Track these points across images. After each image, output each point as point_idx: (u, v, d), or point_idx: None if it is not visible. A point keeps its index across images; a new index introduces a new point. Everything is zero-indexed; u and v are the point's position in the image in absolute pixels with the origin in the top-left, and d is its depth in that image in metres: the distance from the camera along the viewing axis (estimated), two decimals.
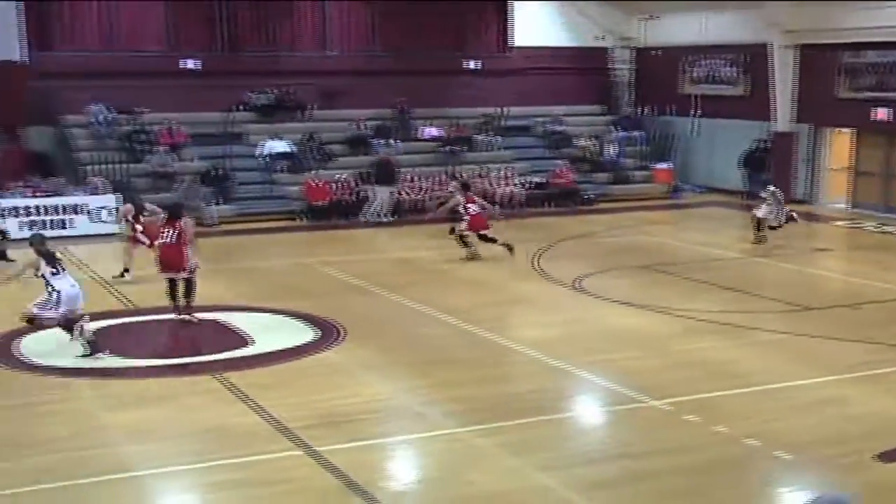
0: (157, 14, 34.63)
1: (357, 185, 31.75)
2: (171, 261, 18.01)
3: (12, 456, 11.80)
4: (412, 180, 32.83)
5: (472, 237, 24.19)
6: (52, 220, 26.59)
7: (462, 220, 24.48)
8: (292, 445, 12.05)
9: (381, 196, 31.06)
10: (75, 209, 28.21)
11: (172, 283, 18.12)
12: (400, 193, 31.80)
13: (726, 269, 23.19)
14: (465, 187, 25.84)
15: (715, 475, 11.28)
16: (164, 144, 32.25)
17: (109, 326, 17.74)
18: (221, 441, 12.28)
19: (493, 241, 24.18)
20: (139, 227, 22.09)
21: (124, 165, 31.46)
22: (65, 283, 15.97)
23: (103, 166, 31.07)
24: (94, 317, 17.32)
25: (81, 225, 27.80)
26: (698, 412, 13.17)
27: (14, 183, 29.23)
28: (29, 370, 15.40)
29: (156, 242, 19.02)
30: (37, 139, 32.05)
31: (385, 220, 30.69)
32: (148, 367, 15.76)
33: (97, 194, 29.01)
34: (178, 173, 31.05)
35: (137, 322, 18.36)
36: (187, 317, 18.03)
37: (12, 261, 22.44)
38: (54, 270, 15.95)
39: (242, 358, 16.09)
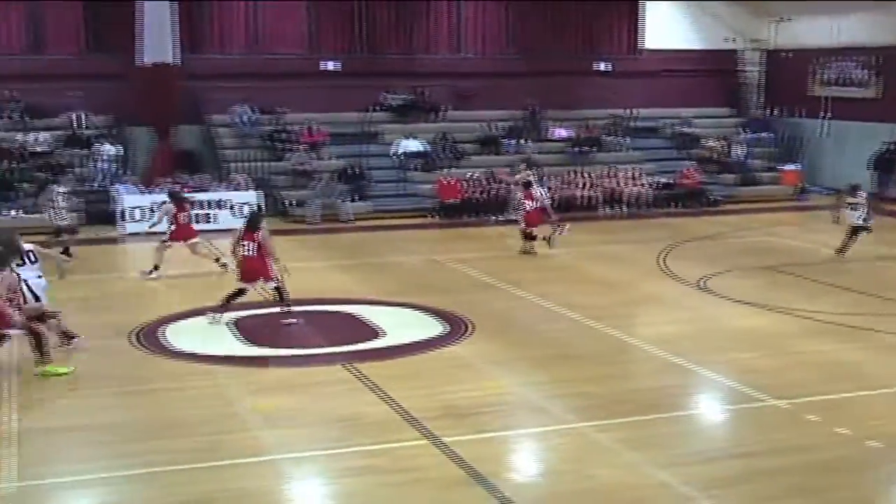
0: (299, 18, 35.19)
1: (489, 183, 31.78)
2: (255, 271, 17.84)
3: (155, 437, 12.19)
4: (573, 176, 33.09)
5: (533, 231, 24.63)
6: (196, 215, 27.16)
7: (520, 215, 24.99)
8: (419, 435, 12.19)
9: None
10: (219, 204, 28.89)
11: (241, 292, 17.92)
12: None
13: (851, 271, 22.68)
14: (527, 185, 25.83)
15: (835, 476, 11.09)
16: (304, 143, 32.77)
17: (249, 316, 18.15)
18: (352, 429, 12.47)
19: (533, 238, 24.61)
20: (173, 227, 22.37)
21: (265, 163, 32.11)
22: (30, 274, 16.26)
23: (246, 164, 31.76)
24: (236, 307, 17.81)
25: (224, 219, 28.40)
26: (819, 412, 12.95)
27: (163, 178, 30.07)
28: (173, 356, 15.88)
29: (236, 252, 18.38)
30: (185, 137, 32.89)
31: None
32: (284, 356, 16.10)
33: (239, 190, 29.67)
34: (316, 171, 31.51)
35: (276, 313, 18.70)
36: (292, 320, 17.90)
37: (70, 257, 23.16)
38: (20, 262, 16.15)
39: (374, 350, 16.30)
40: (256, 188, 29.90)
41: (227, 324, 17.55)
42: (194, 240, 22.49)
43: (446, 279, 22.07)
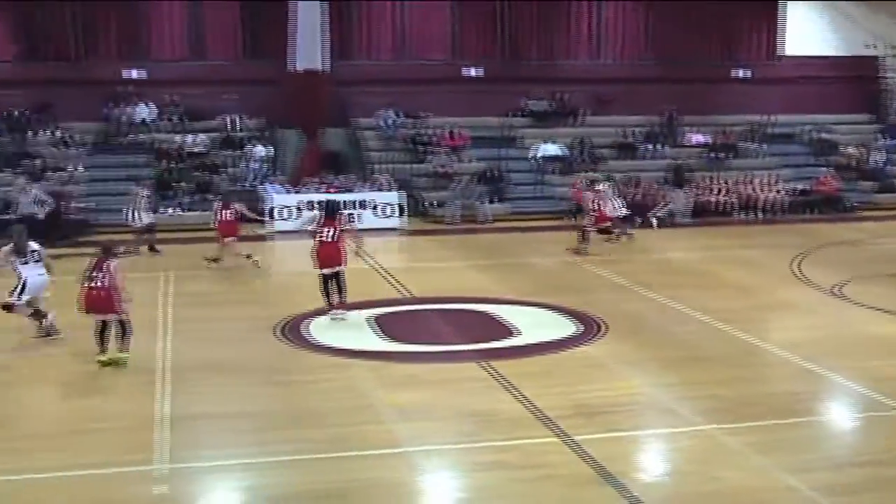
0: (443, 26, 35.45)
1: (627, 188, 31.47)
2: (330, 258, 17.74)
3: (294, 426, 12.34)
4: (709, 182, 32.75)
5: (593, 232, 24.56)
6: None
7: (590, 215, 24.81)
8: (550, 433, 12.07)
9: (675, 198, 30.91)
10: (362, 204, 29.20)
11: (327, 280, 17.85)
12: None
13: None
14: (592, 183, 25.80)
15: None
16: (446, 146, 32.95)
17: (387, 314, 18.27)
18: (485, 425, 12.43)
19: (610, 232, 24.74)
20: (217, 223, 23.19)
21: (407, 165, 32.36)
22: (31, 272, 16.46)
23: (389, 165, 32.05)
24: (374, 304, 17.97)
25: (367, 219, 28.69)
26: None
27: (310, 178, 30.55)
28: (314, 349, 16.07)
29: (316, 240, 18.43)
30: (332, 139, 33.36)
31: (680, 221, 30.53)
32: (421, 352, 16.17)
33: (382, 191, 29.94)
34: (456, 173, 31.64)
35: (412, 310, 18.79)
36: (341, 312, 17.84)
37: (158, 251, 24.21)
38: (24, 260, 16.46)
39: (508, 348, 16.23)
40: (399, 189, 30.14)
41: (367, 319, 17.71)
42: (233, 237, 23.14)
43: (580, 280, 21.92)
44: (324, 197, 27.02)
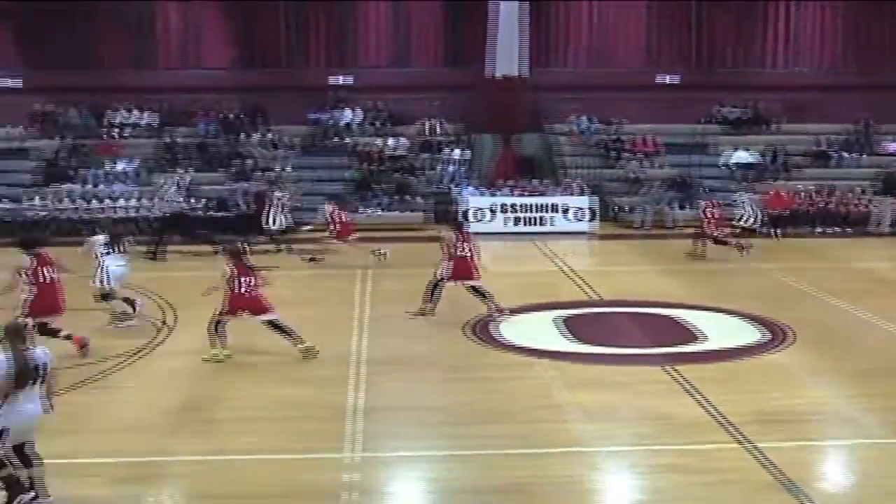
0: (639, 33, 35.10)
1: (821, 196, 30.54)
2: (466, 272, 17.82)
3: (478, 422, 12.41)
4: None
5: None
6: (531, 217, 27.66)
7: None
8: (731, 439, 11.81)
9: (883, 207, 30.03)
10: (554, 208, 29.15)
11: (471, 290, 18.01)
12: None
13: None
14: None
15: None
16: (638, 152, 32.64)
17: (574, 315, 18.21)
18: (666, 428, 12.25)
19: (727, 243, 24.54)
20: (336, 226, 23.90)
21: (599, 170, 32.20)
22: (113, 262, 17.44)
23: (581, 170, 31.93)
24: (561, 305, 17.93)
25: (558, 222, 28.66)
26: None
27: (503, 182, 30.71)
28: (502, 348, 16.13)
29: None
30: (526, 144, 33.46)
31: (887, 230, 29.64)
32: (606, 354, 16.01)
33: (573, 195, 29.83)
34: (647, 179, 31.31)
35: (600, 313, 18.67)
36: (507, 312, 17.96)
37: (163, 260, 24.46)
38: (108, 251, 17.52)
39: (693, 353, 15.95)
40: (591, 193, 30.00)
41: (554, 320, 17.70)
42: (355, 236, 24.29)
43: (767, 287, 21.42)
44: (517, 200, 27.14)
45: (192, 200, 29.53)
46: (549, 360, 15.33)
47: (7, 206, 29.58)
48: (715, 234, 24.35)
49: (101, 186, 30.65)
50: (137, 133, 33.75)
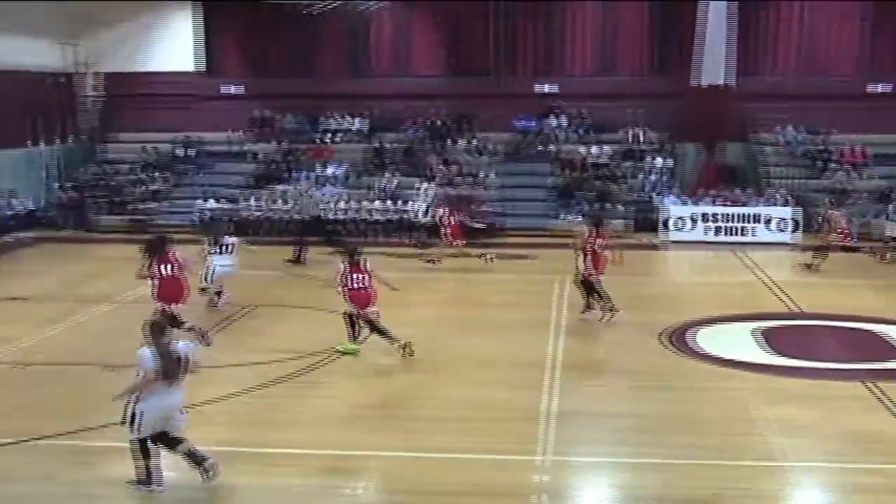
0: (851, 41, 33.83)
1: None
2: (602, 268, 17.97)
3: (670, 431, 12.25)
4: None
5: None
6: (732, 227, 27.04)
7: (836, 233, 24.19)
8: None
9: None
10: (756, 218, 28.41)
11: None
12: None
13: None
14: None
15: None
16: (846, 163, 31.54)
17: (773, 327, 17.75)
18: (865, 445, 11.85)
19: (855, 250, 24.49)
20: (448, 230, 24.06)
21: (804, 181, 31.25)
22: (218, 261, 18.58)
23: (785, 181, 31.06)
24: (760, 317, 17.50)
25: (760, 233, 27.95)
26: None
27: (705, 191, 30.16)
28: (698, 358, 15.85)
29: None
30: (729, 153, 32.78)
31: None
32: (805, 367, 15.53)
33: (776, 206, 29.02)
34: (854, 190, 30.22)
35: (800, 325, 18.14)
36: (610, 314, 17.87)
37: (303, 263, 24.40)
38: (215, 251, 18.86)
39: (893, 369, 15.35)
40: (795, 204, 29.12)
41: (752, 331, 17.29)
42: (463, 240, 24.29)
43: None
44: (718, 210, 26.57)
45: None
46: (747, 373, 15.00)
47: (224, 207, 30.79)
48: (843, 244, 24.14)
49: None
50: (348, 138, 34.68)
